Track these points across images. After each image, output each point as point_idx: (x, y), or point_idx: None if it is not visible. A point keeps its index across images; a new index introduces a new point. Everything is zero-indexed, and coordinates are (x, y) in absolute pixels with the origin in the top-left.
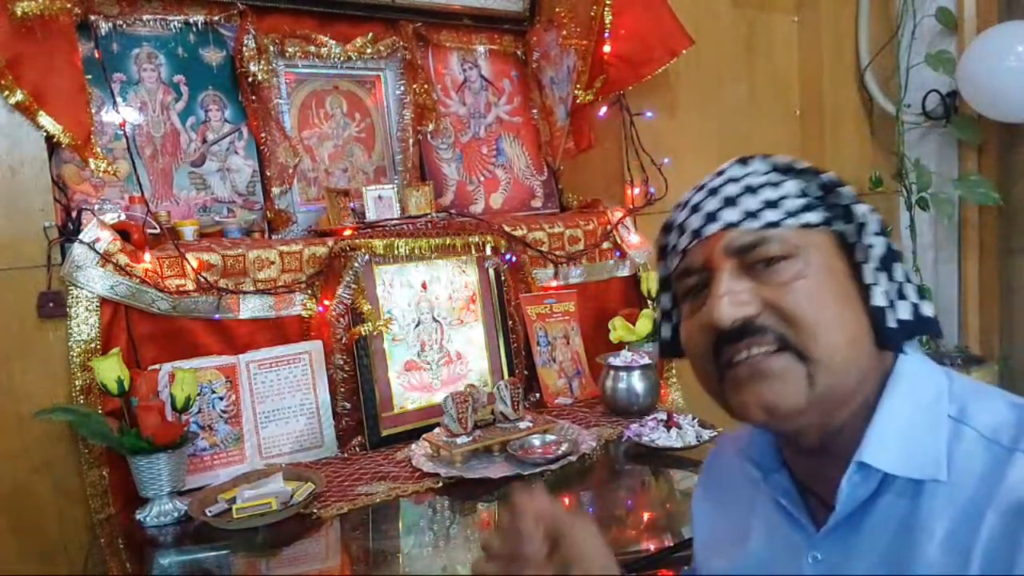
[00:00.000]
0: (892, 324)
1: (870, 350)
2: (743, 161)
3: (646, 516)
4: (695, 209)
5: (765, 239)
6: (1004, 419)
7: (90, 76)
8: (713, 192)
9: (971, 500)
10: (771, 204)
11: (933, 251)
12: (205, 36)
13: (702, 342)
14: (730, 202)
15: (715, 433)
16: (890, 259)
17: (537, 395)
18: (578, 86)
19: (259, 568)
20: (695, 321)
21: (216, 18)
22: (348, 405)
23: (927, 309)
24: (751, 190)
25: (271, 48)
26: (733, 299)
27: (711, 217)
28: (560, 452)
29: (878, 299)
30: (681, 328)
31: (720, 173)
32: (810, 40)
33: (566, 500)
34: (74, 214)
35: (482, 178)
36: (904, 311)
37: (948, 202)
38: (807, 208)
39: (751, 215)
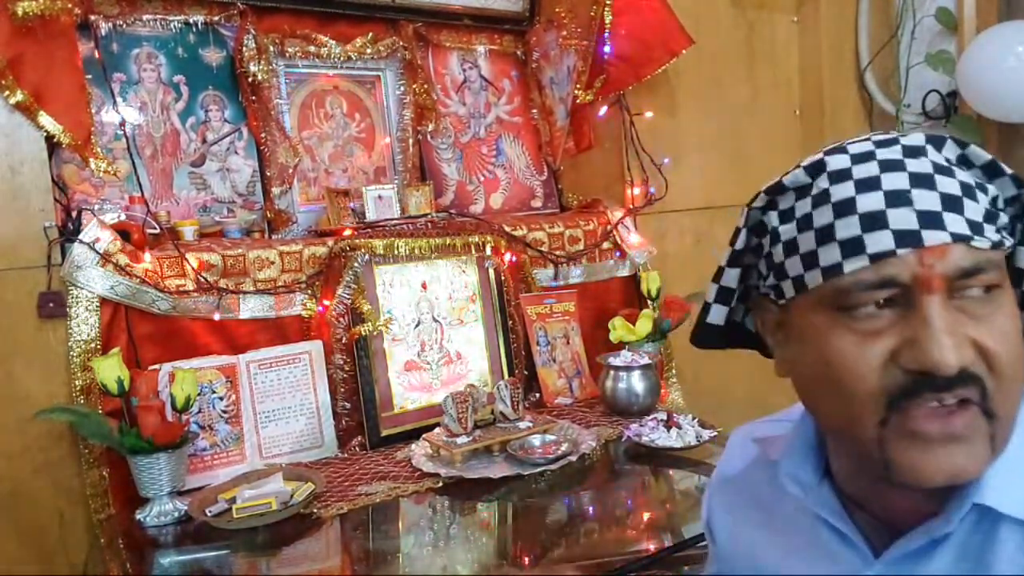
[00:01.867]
0: None
1: None
2: (938, 142)
3: (646, 516)
4: (898, 199)
5: (990, 264)
6: None
7: (90, 76)
8: (923, 181)
9: None
10: (990, 217)
11: None
12: (205, 36)
13: (877, 378)
14: (953, 204)
15: (715, 433)
16: None
17: (537, 395)
18: (578, 86)
19: (259, 568)
20: (864, 352)
21: (216, 18)
22: (348, 405)
23: None
24: (969, 191)
25: (271, 48)
26: (957, 342)
27: (932, 220)
28: (560, 452)
29: None
30: (823, 345)
31: (914, 151)
32: (810, 40)
33: (566, 500)
34: (74, 214)
35: (482, 178)
36: None
37: None
38: (1017, 220)
39: (978, 228)
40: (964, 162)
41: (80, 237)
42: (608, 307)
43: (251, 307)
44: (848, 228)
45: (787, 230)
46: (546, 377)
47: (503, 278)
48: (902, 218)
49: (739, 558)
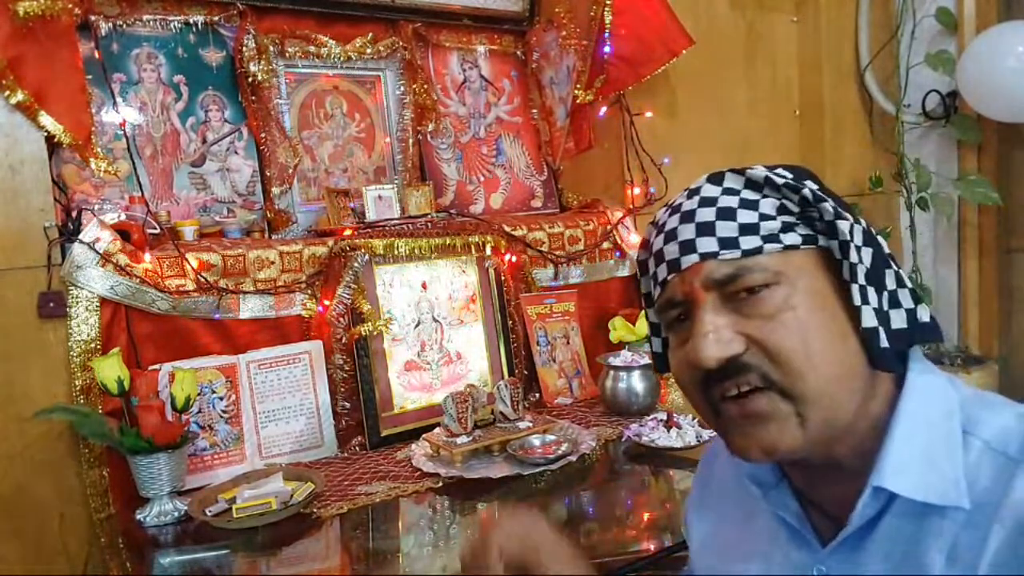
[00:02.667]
0: (885, 344)
1: (865, 374)
2: (716, 178)
3: (646, 516)
4: (671, 236)
5: (745, 269)
6: (1011, 428)
7: (90, 76)
8: (688, 217)
9: (977, 513)
10: (748, 229)
11: (933, 251)
12: (205, 36)
13: (690, 378)
14: (705, 229)
15: (714, 433)
16: (881, 268)
17: (537, 395)
18: (578, 86)
19: (259, 568)
20: (682, 355)
21: (216, 18)
22: (348, 405)
23: (923, 314)
24: (727, 214)
25: (271, 48)
26: (716, 337)
27: (687, 247)
28: (560, 452)
29: (868, 320)
30: (670, 357)
31: (693, 193)
32: (810, 40)
33: (566, 500)
34: (74, 214)
35: (482, 178)
36: (898, 320)
37: (948, 202)
38: (787, 228)
39: (728, 243)
40: (750, 185)
41: (80, 237)
42: (608, 307)
43: (251, 307)
44: (651, 267)
45: (650, 267)
46: (546, 377)
47: (503, 278)
48: (671, 251)
49: (707, 555)
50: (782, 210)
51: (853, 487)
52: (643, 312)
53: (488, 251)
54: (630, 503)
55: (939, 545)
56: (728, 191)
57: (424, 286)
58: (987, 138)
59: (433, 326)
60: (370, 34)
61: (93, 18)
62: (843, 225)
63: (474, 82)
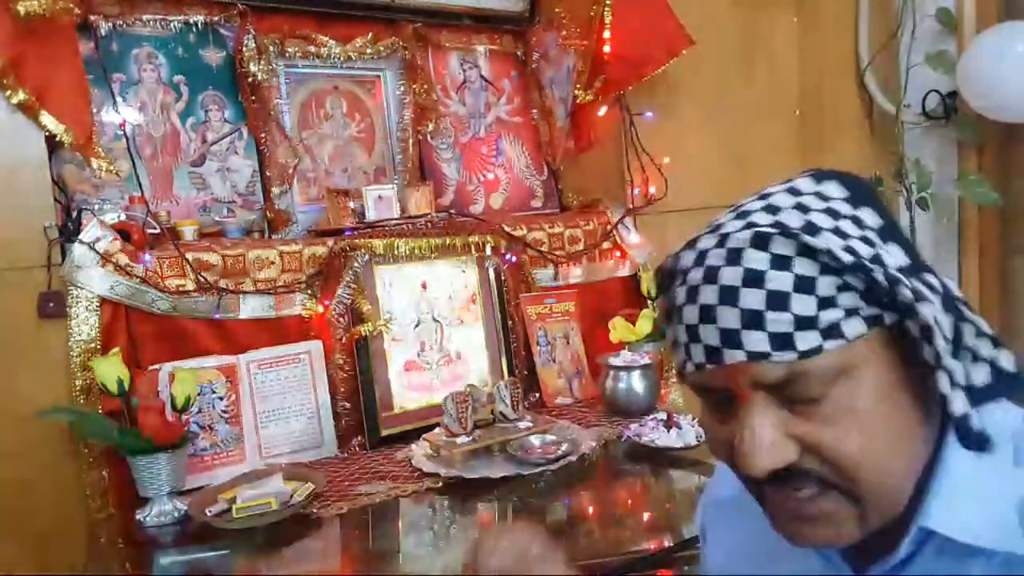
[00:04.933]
0: (977, 426)
1: (927, 451)
2: (761, 242)
3: (646, 516)
4: (706, 315)
5: (802, 374)
6: None
7: (90, 76)
8: (729, 296)
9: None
10: (806, 323)
11: (933, 251)
12: (205, 36)
13: (734, 464)
14: (753, 321)
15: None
16: (960, 331)
17: (537, 395)
18: (578, 86)
19: (259, 568)
20: (723, 438)
21: (216, 18)
22: (348, 405)
23: (1005, 361)
24: (778, 301)
25: (271, 48)
26: (767, 445)
27: (730, 339)
28: (560, 452)
29: (958, 407)
30: (706, 424)
31: (734, 256)
32: (810, 40)
33: (566, 500)
34: (74, 214)
35: (482, 178)
36: (981, 375)
37: (948, 202)
38: (851, 313)
39: (782, 342)
40: (805, 253)
41: (80, 237)
42: (608, 307)
43: (251, 307)
44: (682, 334)
45: (675, 323)
46: (546, 377)
47: (503, 278)
48: (710, 334)
49: (727, 565)
50: (844, 287)
51: (898, 521)
52: (643, 312)
53: (488, 251)
54: (630, 503)
55: None
56: (778, 262)
57: (424, 286)
58: (987, 138)
59: (433, 326)
60: (370, 34)
61: (93, 18)
62: (926, 309)
63: (474, 82)
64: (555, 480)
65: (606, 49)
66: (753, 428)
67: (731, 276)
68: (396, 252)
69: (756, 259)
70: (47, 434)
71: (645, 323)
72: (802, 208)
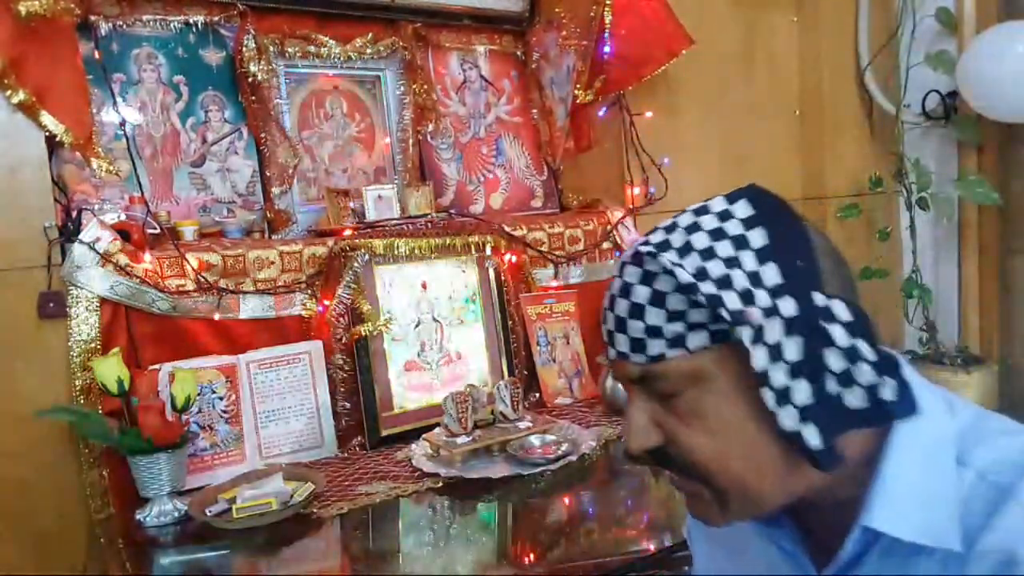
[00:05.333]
0: (815, 443)
1: (792, 461)
2: (636, 257)
3: (646, 516)
4: (605, 316)
5: (652, 374)
6: (1005, 458)
7: (90, 76)
8: (612, 303)
9: (962, 550)
10: (654, 332)
11: (933, 251)
12: (205, 36)
13: None
14: (620, 325)
15: None
16: (817, 354)
17: (537, 395)
18: (578, 86)
19: (259, 568)
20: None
21: (216, 18)
22: (348, 405)
23: (886, 391)
24: (636, 312)
25: (271, 48)
26: (636, 430)
27: (610, 339)
28: (560, 452)
29: (787, 423)
30: None
31: (623, 266)
32: (810, 40)
33: (566, 500)
34: (74, 214)
35: (482, 178)
36: (855, 398)
37: (948, 202)
38: (694, 327)
39: (636, 346)
40: (666, 271)
41: (80, 237)
42: None
43: (251, 307)
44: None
45: None
46: (546, 377)
47: (503, 278)
48: (604, 333)
49: (702, 568)
50: (695, 304)
51: (848, 519)
52: None
53: (488, 251)
54: (630, 503)
55: None
56: (644, 277)
57: (424, 286)
58: (987, 138)
59: (433, 326)
60: (370, 34)
61: (93, 18)
62: (744, 333)
63: (474, 82)
64: (555, 480)
65: (606, 49)
66: (629, 413)
67: (616, 286)
68: (396, 252)
69: (630, 273)
70: (47, 434)
71: None
72: (693, 228)
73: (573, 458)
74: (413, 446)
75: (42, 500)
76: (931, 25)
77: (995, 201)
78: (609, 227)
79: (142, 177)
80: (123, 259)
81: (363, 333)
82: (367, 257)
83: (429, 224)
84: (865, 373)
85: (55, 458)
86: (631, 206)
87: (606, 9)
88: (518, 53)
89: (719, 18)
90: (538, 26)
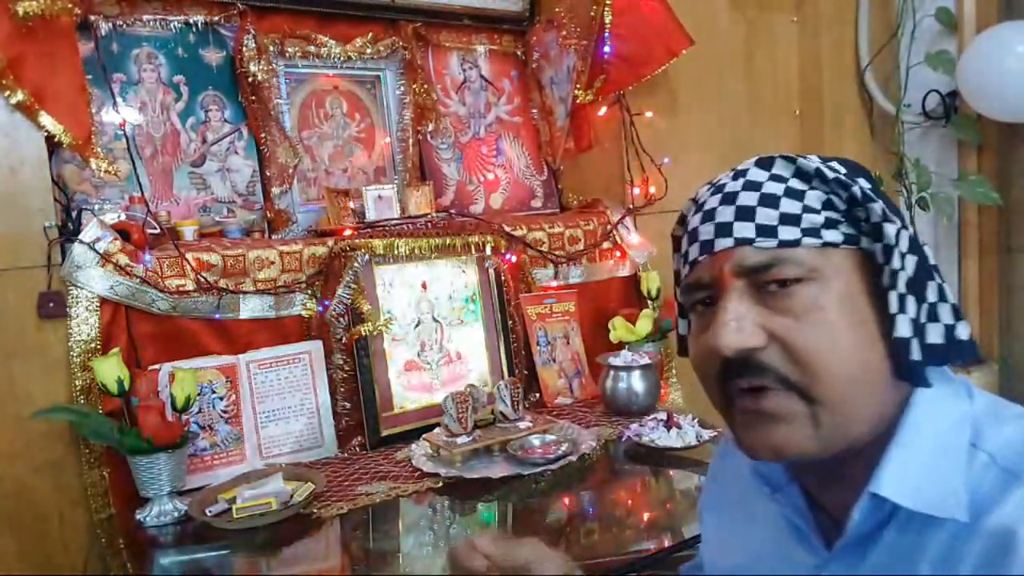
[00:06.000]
0: (916, 356)
1: (888, 384)
2: (765, 162)
3: (646, 516)
4: (708, 216)
5: (779, 260)
6: (1018, 442)
7: (90, 76)
8: (729, 199)
9: (969, 527)
10: (790, 219)
11: (933, 251)
12: (205, 36)
13: (708, 366)
14: (745, 214)
15: (715, 433)
16: (924, 278)
17: (537, 395)
18: (578, 86)
19: (259, 568)
20: (702, 342)
21: (216, 18)
22: (348, 405)
23: (963, 331)
24: (769, 200)
25: (271, 48)
26: (738, 327)
27: (724, 230)
28: (560, 452)
29: (903, 330)
30: (690, 341)
31: (739, 174)
32: (810, 40)
33: (566, 500)
34: (74, 214)
35: (482, 178)
36: (935, 334)
37: (948, 202)
38: (830, 224)
39: (766, 231)
40: (799, 175)
41: (80, 237)
42: (608, 307)
43: (251, 307)
44: (684, 244)
45: (683, 245)
46: (546, 377)
47: (503, 278)
48: (706, 231)
49: (715, 552)
50: (828, 205)
51: (859, 493)
52: (654, 301)
53: (488, 251)
54: (630, 503)
55: (930, 557)
56: (775, 177)
57: (424, 286)
58: (987, 138)
59: (433, 326)
60: (370, 34)
61: (93, 18)
62: (890, 229)
63: (474, 82)
64: (555, 480)
65: (606, 49)
66: (728, 310)
67: (733, 186)
68: (396, 252)
69: (757, 174)
70: (47, 434)
71: (645, 323)
72: (801, 156)
73: (573, 458)
74: (413, 446)
75: (42, 500)
76: (931, 25)
77: (995, 201)
78: (609, 227)
79: (142, 177)
80: (123, 259)
81: (363, 333)
82: (367, 257)
83: (429, 224)
84: (947, 312)
85: (55, 458)
86: (631, 206)
87: (606, 9)
88: (518, 53)
89: (719, 18)
90: (538, 26)
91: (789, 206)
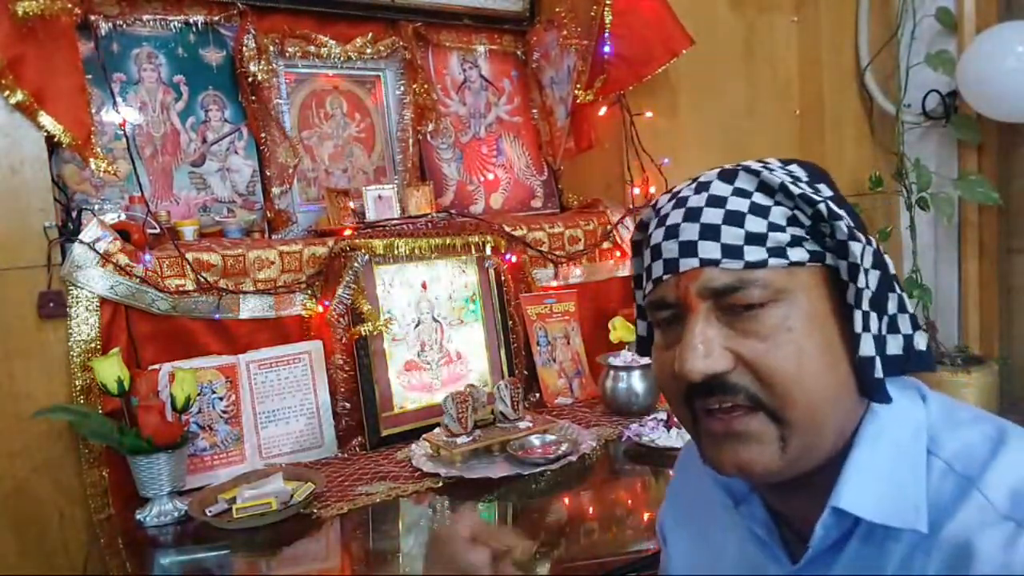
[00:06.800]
0: (879, 374)
1: (853, 400)
2: (727, 175)
3: (646, 516)
4: (671, 233)
5: (746, 283)
6: (974, 448)
7: (90, 76)
8: (693, 215)
9: (929, 536)
10: (755, 239)
11: (933, 251)
12: (205, 36)
13: (673, 385)
14: (710, 232)
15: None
16: (885, 291)
17: (537, 395)
18: (578, 86)
19: (259, 568)
20: (668, 359)
21: (216, 18)
22: (348, 405)
23: (920, 341)
24: (734, 218)
25: (271, 48)
26: (705, 351)
27: (688, 249)
28: (560, 452)
29: (867, 349)
30: (653, 354)
31: (701, 187)
32: (810, 40)
33: (566, 500)
34: (74, 214)
35: (482, 178)
36: (894, 346)
37: (948, 202)
38: (795, 243)
39: (732, 252)
40: (763, 189)
41: (80, 237)
42: (608, 307)
43: (251, 307)
44: (647, 258)
45: (645, 257)
46: (546, 377)
47: (503, 278)
48: (669, 249)
49: (681, 567)
50: (793, 221)
51: (821, 506)
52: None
53: (488, 251)
54: (630, 503)
55: (892, 569)
56: (739, 192)
57: (424, 286)
58: (987, 138)
59: (433, 326)
60: (370, 34)
61: (93, 18)
62: (855, 248)
63: (474, 82)
64: (555, 480)
65: (606, 49)
66: (695, 333)
67: (696, 200)
68: (396, 252)
69: (720, 188)
70: (47, 434)
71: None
72: (764, 165)
73: (573, 458)
74: (413, 446)
75: (42, 500)
76: (931, 25)
77: (995, 201)
78: (609, 227)
79: (142, 177)
80: (123, 259)
81: (363, 333)
82: (367, 257)
83: (429, 224)
84: (906, 323)
85: (55, 458)
86: (631, 206)
87: (606, 9)
88: (518, 53)
89: (719, 18)
90: (538, 26)
91: (754, 224)
